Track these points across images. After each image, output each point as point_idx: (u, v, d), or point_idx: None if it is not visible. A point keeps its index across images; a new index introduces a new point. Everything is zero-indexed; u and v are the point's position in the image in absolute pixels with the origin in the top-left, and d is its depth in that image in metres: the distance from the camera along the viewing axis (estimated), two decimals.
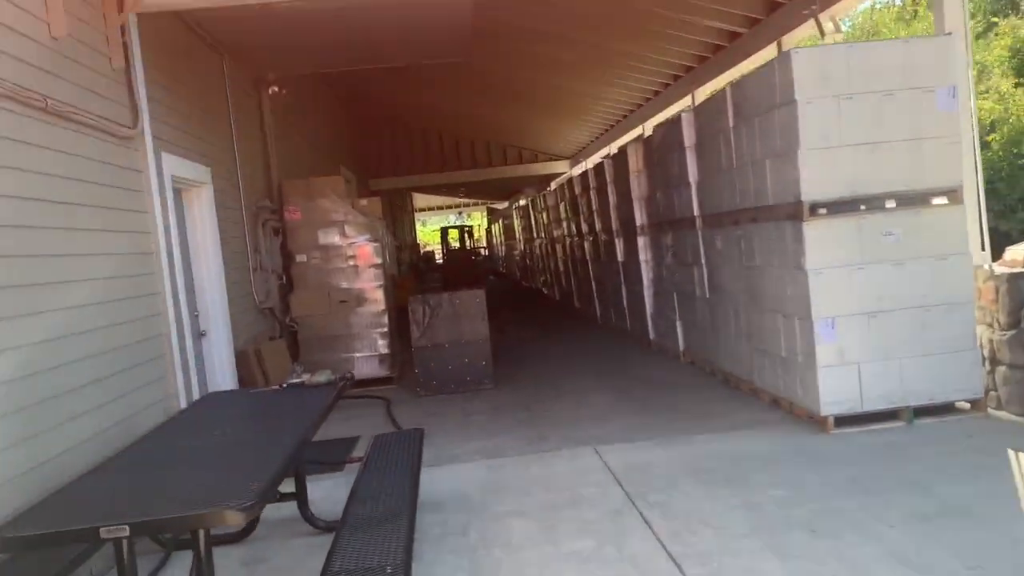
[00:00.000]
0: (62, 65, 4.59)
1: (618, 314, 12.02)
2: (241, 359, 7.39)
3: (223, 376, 7.03)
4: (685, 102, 11.84)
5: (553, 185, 21.62)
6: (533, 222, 21.88)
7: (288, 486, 4.71)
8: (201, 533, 2.75)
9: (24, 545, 2.54)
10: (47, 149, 4.33)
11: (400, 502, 4.04)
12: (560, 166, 22.55)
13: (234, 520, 2.57)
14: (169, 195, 6.06)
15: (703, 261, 8.18)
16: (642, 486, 5.02)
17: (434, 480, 5.50)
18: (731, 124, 7.08)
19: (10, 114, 3.98)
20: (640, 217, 10.34)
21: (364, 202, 9.68)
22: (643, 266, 10.37)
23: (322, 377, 4.85)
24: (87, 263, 4.67)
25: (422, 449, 5.02)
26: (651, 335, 10.43)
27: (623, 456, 5.70)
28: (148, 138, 5.70)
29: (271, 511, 4.88)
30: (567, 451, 5.99)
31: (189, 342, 6.15)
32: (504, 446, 6.32)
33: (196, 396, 6.09)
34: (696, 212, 8.19)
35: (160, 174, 5.90)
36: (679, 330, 9.27)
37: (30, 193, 4.11)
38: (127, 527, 2.50)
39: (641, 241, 10.36)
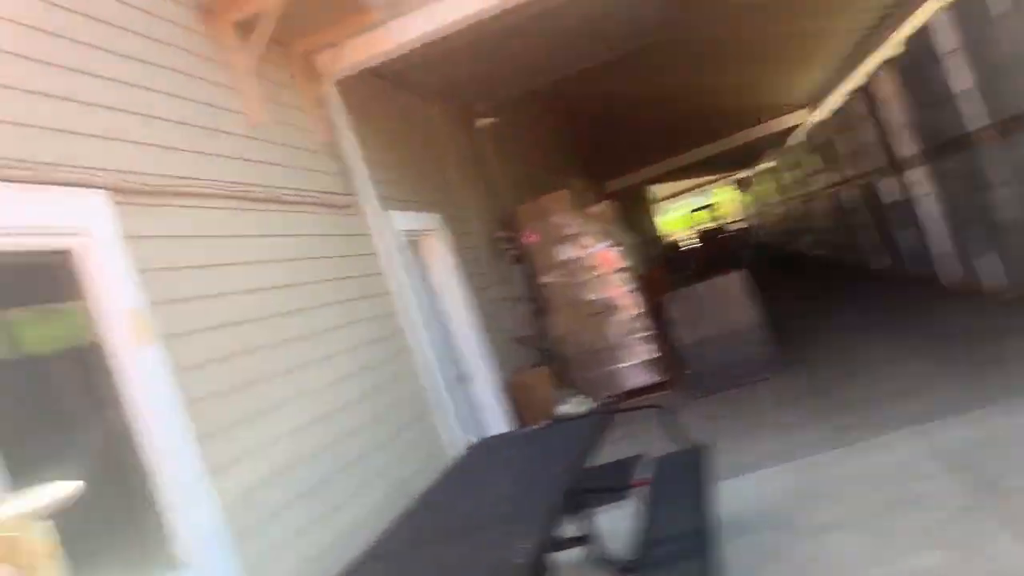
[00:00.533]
0: (270, 150, 4.68)
1: (897, 259, 10.60)
2: (507, 393, 7.28)
3: (493, 414, 6.93)
4: (930, 7, 10.23)
5: (796, 138, 20.00)
6: (785, 182, 20.37)
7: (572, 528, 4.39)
8: None
9: None
10: (282, 236, 4.40)
11: (697, 531, 3.55)
12: (798, 116, 20.79)
13: None
14: (402, 250, 6.07)
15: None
16: (989, 469, 4.08)
17: (730, 495, 4.90)
18: None
19: (229, 211, 4.06)
20: (907, 146, 8.98)
21: (596, 208, 9.31)
22: (923, 200, 8.99)
23: (583, 407, 4.48)
24: (343, 334, 4.72)
25: (712, 464, 4.47)
26: (945, 277, 8.99)
27: (954, 434, 4.73)
28: (372, 200, 5.73)
29: (563, 556, 4.57)
30: (880, 439, 5.11)
31: (449, 390, 6.09)
32: (801, 444, 5.56)
33: (466, 440, 5.99)
34: (988, 122, 6.83)
35: (390, 232, 5.91)
36: (989, 265, 7.81)
37: (282, 281, 4.20)
38: None
39: (915, 173, 8.99)
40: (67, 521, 2.63)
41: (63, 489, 1.60)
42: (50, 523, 1.54)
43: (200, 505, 3.17)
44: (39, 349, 3.00)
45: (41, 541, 1.50)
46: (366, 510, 4.29)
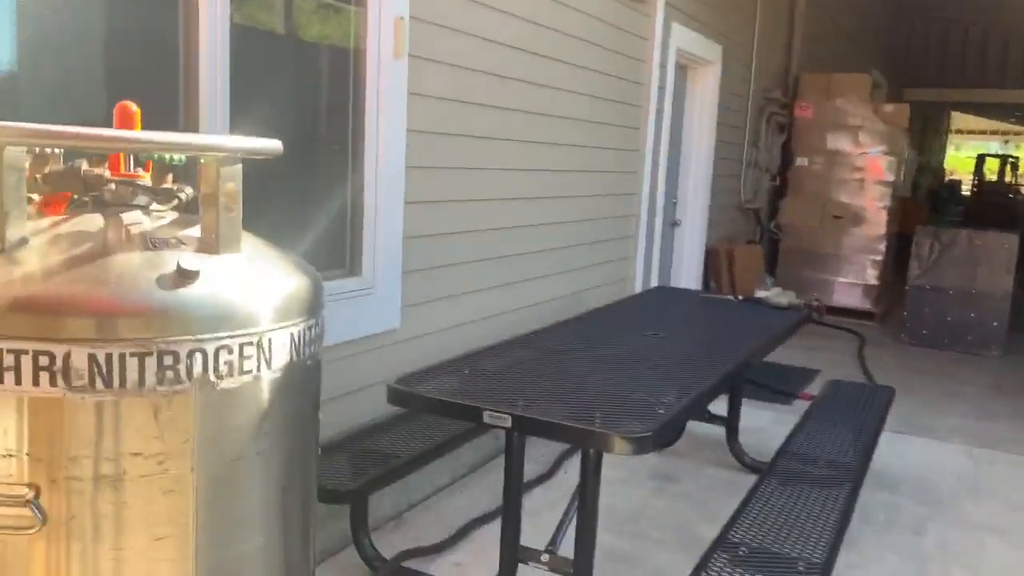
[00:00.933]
0: None
1: None
2: (710, 257, 6.95)
3: (688, 271, 6.68)
4: None
5: None
6: None
7: (721, 407, 4.22)
8: (591, 452, 2.38)
9: (401, 401, 2.42)
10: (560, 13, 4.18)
11: (845, 466, 3.28)
12: None
13: (622, 449, 2.14)
14: (671, 70, 5.67)
15: None
16: None
17: (895, 450, 4.52)
18: None
19: None
20: None
21: (889, 108, 8.29)
22: None
23: (783, 299, 4.15)
24: (605, 131, 4.60)
25: (888, 410, 4.09)
26: None
27: None
28: (660, 3, 5.31)
29: (697, 426, 4.45)
30: None
31: (659, 228, 5.86)
32: (1000, 434, 4.98)
33: (654, 284, 5.83)
34: None
35: (665, 46, 5.51)
36: None
37: (539, 73, 4.04)
38: (509, 419, 2.22)
39: None
40: (265, 190, 2.77)
41: (269, 144, 1.57)
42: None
43: (391, 236, 3.24)
44: (310, 37, 3.03)
45: (238, 183, 1.50)
46: (532, 316, 4.28)
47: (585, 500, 2.47)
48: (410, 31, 3.18)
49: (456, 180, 3.60)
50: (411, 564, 3.01)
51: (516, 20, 3.83)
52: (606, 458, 2.53)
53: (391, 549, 3.05)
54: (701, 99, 6.59)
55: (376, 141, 3.14)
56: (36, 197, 1.52)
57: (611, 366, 2.94)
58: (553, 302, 4.48)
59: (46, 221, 1.47)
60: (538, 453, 4.03)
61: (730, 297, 4.82)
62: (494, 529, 3.18)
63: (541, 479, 3.87)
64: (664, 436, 2.25)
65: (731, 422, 4.29)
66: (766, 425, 4.84)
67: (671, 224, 6.44)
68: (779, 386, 5.52)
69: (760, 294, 4.42)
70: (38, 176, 1.50)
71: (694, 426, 4.43)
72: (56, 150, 1.51)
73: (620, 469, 4.03)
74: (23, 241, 1.39)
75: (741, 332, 3.72)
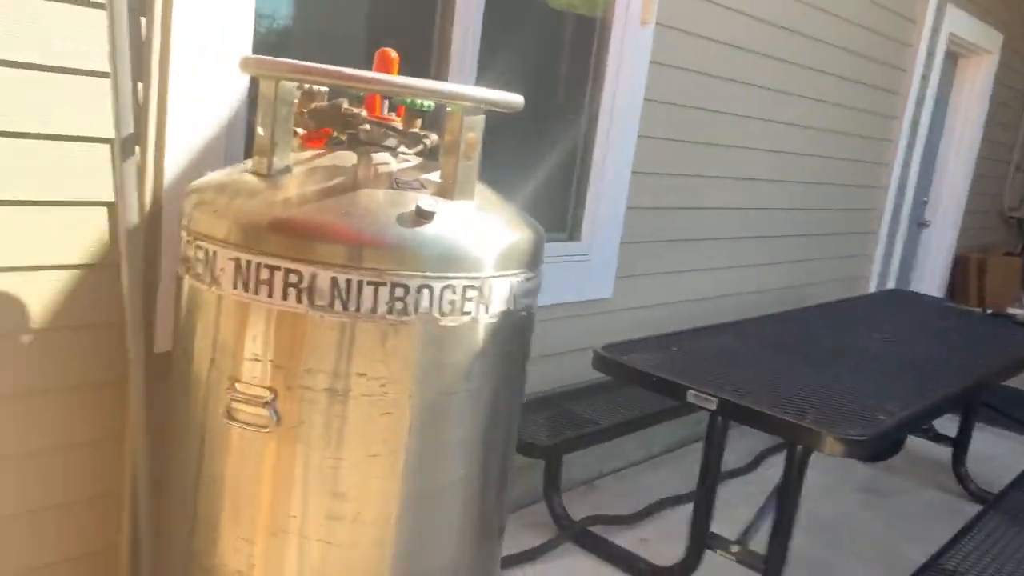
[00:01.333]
0: None
1: None
2: (958, 265, 6.35)
3: (931, 276, 6.14)
4: None
5: None
6: None
7: (950, 427, 3.88)
8: (799, 449, 2.27)
9: (606, 368, 2.42)
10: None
11: None
12: None
13: (833, 449, 2.02)
14: (939, 57, 5.19)
15: None
16: None
17: None
18: None
19: None
20: None
21: None
22: None
23: None
24: (853, 116, 4.35)
25: None
26: None
27: None
28: None
29: (918, 443, 4.11)
30: None
31: (903, 227, 5.42)
32: None
33: (890, 286, 5.42)
34: None
35: (936, 30, 5.04)
36: None
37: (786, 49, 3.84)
38: (716, 401, 2.16)
39: None
40: (511, 150, 2.85)
41: (511, 98, 1.61)
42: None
43: (614, 205, 3.24)
44: (557, 5, 3.07)
45: (478, 133, 1.55)
46: (750, 304, 4.13)
47: (786, 497, 2.37)
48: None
49: (686, 153, 3.52)
50: (597, 530, 3.04)
51: None
52: (812, 462, 2.41)
53: (578, 513, 3.09)
54: (970, 91, 5.99)
55: (612, 108, 3.14)
56: (300, 131, 1.66)
57: (831, 365, 2.78)
58: (773, 292, 4.30)
59: (307, 154, 1.60)
60: (738, 446, 3.91)
61: (976, 310, 4.39)
62: (683, 512, 3.13)
63: (738, 472, 3.75)
64: (879, 444, 2.10)
65: (960, 444, 3.92)
66: (1000, 455, 4.38)
67: (918, 224, 5.93)
68: (1016, 413, 4.96)
69: (1012, 311, 3.98)
70: (304, 111, 1.64)
71: (915, 443, 4.11)
72: (321, 89, 1.64)
73: (826, 475, 3.82)
74: (286, 169, 1.53)
75: (983, 349, 3.39)
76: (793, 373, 2.59)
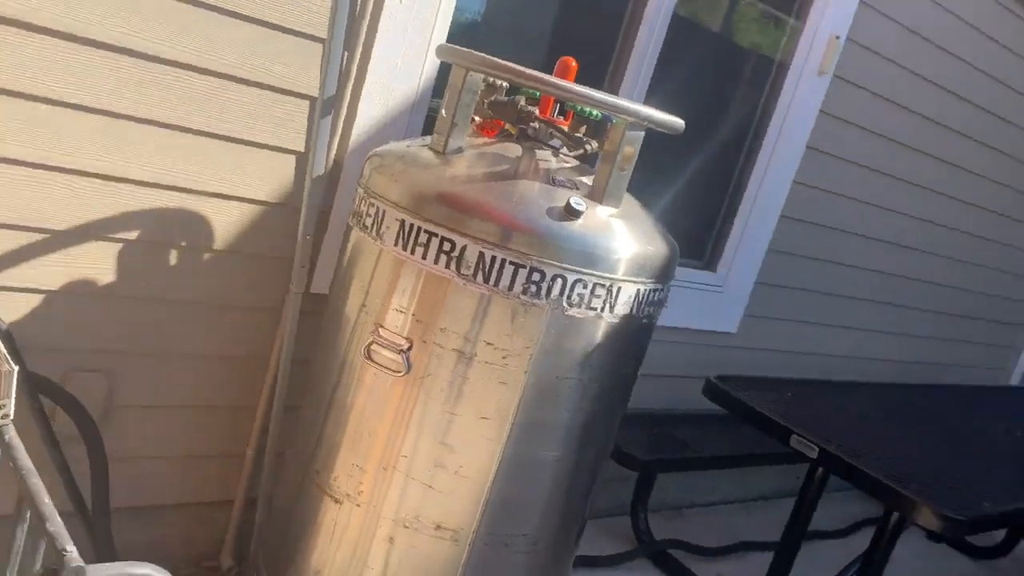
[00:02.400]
0: None
1: None
2: None
3: None
4: None
5: None
6: None
7: None
8: (893, 516, 2.26)
9: (716, 396, 2.47)
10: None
11: None
12: None
13: (927, 522, 2.01)
14: None
15: None
16: None
17: None
18: None
19: None
20: None
21: None
22: None
23: None
24: (1016, 198, 4.23)
25: None
26: None
27: None
28: None
29: None
30: None
31: None
32: None
33: None
34: None
35: None
36: None
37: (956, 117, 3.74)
38: (817, 450, 2.18)
39: None
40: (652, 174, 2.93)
41: (672, 120, 1.71)
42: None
43: (756, 244, 3.27)
44: (741, 42, 3.14)
45: (636, 147, 1.66)
46: (871, 368, 4.03)
47: (871, 562, 2.35)
48: (840, 52, 3.14)
49: (838, 207, 3.50)
50: (676, 554, 3.08)
51: (952, 60, 3.59)
52: (912, 543, 2.38)
53: (661, 534, 3.14)
54: None
55: (772, 151, 3.18)
56: (477, 119, 1.83)
57: (948, 445, 2.72)
58: (903, 364, 4.17)
59: (479, 140, 1.77)
60: (839, 511, 3.83)
61: None
62: (765, 559, 3.12)
63: (832, 534, 3.68)
64: (977, 528, 2.07)
65: None
66: None
67: None
68: None
69: None
70: (485, 102, 1.81)
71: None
72: (503, 84, 1.80)
73: (923, 559, 3.69)
74: (459, 150, 1.70)
75: None
76: (905, 443, 2.56)
